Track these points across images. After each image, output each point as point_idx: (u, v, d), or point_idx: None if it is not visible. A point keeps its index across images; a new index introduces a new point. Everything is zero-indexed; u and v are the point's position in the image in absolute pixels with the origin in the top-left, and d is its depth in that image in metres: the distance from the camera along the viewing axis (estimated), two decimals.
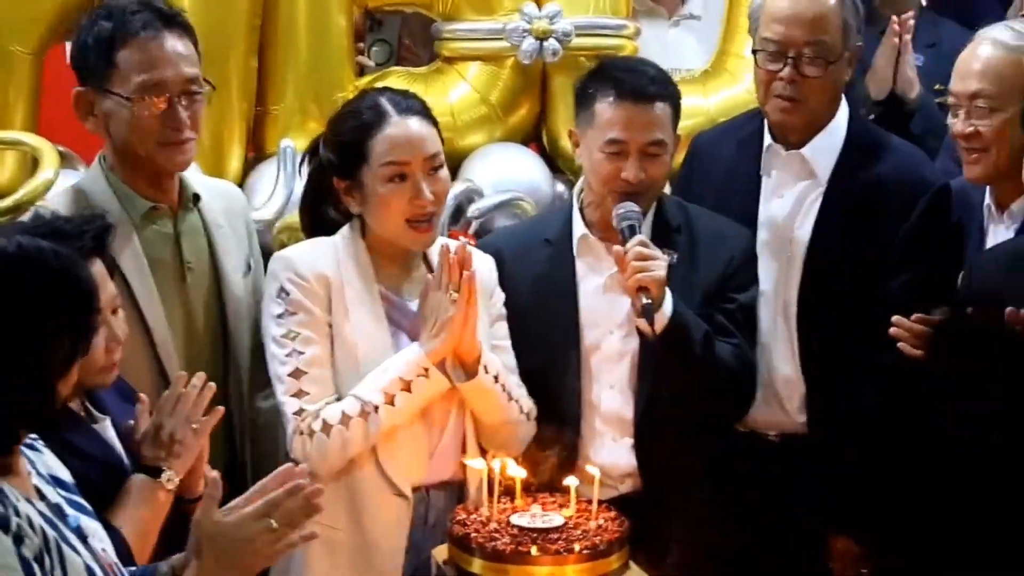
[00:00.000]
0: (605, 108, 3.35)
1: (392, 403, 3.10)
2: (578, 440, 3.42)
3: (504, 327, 3.36)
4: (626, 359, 3.42)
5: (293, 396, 3.12)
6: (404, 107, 3.18)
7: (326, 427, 3.09)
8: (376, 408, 3.09)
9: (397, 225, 3.16)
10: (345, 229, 3.25)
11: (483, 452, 3.22)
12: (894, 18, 4.39)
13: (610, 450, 3.42)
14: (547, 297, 3.43)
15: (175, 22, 3.12)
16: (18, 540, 2.22)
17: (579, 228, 3.46)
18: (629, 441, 3.42)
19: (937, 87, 4.19)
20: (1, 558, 2.18)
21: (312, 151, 3.34)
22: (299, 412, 3.12)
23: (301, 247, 3.30)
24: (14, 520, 2.22)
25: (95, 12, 3.13)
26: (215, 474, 2.57)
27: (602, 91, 3.37)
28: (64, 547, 2.30)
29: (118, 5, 3.12)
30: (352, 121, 3.19)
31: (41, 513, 2.31)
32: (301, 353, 3.12)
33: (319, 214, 3.34)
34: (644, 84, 3.34)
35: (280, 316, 3.15)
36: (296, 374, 3.13)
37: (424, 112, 3.21)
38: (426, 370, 3.11)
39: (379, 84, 4.24)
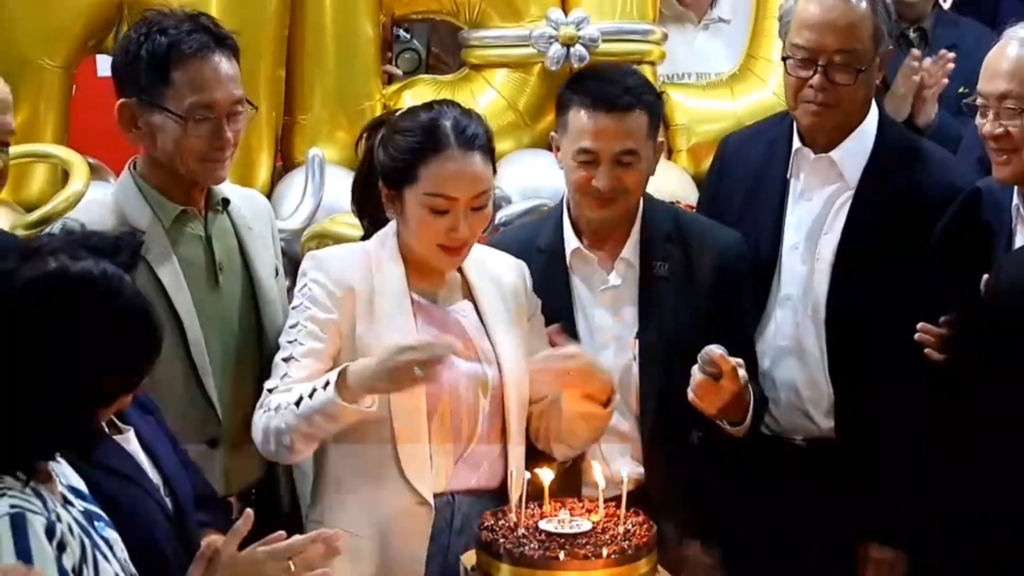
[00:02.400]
0: (577, 117, 3.35)
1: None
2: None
3: (542, 336, 3.35)
4: (619, 374, 3.39)
5: (280, 377, 3.11)
6: (465, 138, 3.11)
7: (264, 410, 3.09)
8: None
9: (428, 247, 3.15)
10: (382, 234, 3.25)
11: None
12: (913, 52, 4.35)
13: (609, 458, 3.39)
14: (544, 309, 3.40)
15: (226, 43, 3.16)
16: (61, 548, 2.25)
17: (572, 240, 3.46)
18: (628, 449, 3.42)
19: (962, 90, 4.16)
20: (43, 565, 2.21)
21: (370, 131, 3.32)
22: (272, 389, 3.12)
23: (334, 251, 3.31)
24: (59, 527, 2.26)
25: (147, 25, 3.14)
26: (249, 511, 2.61)
27: (575, 99, 3.37)
28: (98, 555, 2.33)
29: (171, 21, 3.14)
30: (409, 139, 3.14)
31: (76, 520, 2.33)
32: (301, 344, 3.12)
33: (368, 198, 3.33)
34: (616, 94, 3.32)
35: (295, 308, 3.16)
36: (287, 360, 3.13)
37: (484, 145, 3.15)
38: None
39: (408, 90, 4.31)
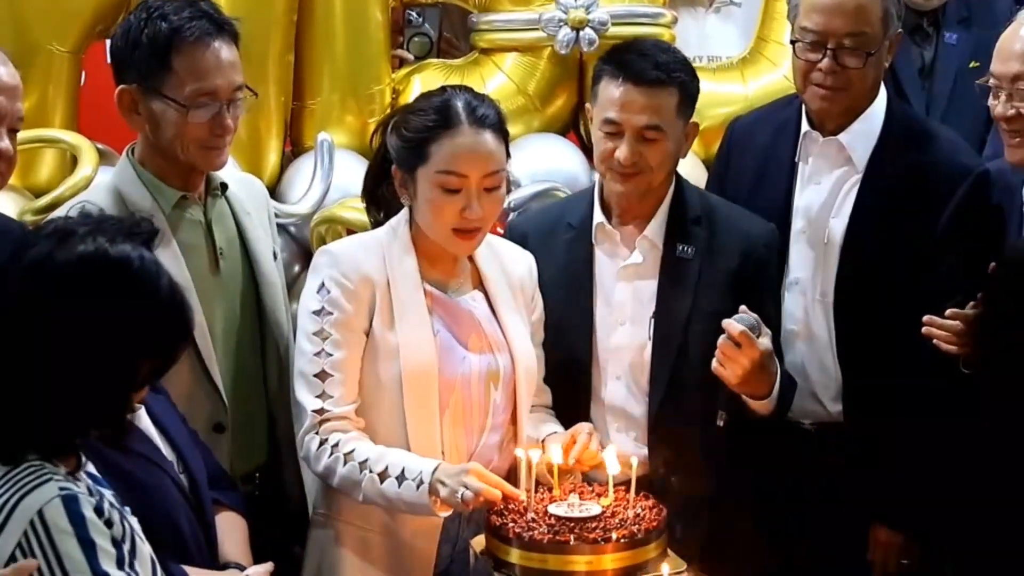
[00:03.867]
0: (606, 88, 3.35)
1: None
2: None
3: (540, 332, 3.38)
4: (632, 352, 3.42)
5: (316, 397, 3.10)
6: (477, 117, 3.11)
7: (337, 450, 3.07)
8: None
9: (442, 231, 3.14)
10: (393, 222, 3.23)
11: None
12: None
13: (615, 440, 3.39)
14: (565, 282, 3.43)
15: (226, 29, 3.15)
16: (109, 526, 2.30)
17: (597, 215, 3.46)
18: (634, 434, 3.42)
19: (972, 64, 4.13)
20: (103, 542, 2.26)
21: (384, 125, 3.30)
22: (320, 411, 3.10)
23: (348, 244, 3.28)
24: (105, 507, 2.30)
25: (147, 11, 3.13)
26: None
27: (607, 71, 3.37)
28: (136, 538, 2.37)
29: (171, 7, 3.13)
30: (421, 118, 3.14)
31: (112, 503, 2.36)
32: (330, 355, 3.10)
33: (379, 189, 3.33)
34: (646, 68, 3.32)
35: (316, 313, 3.12)
36: (322, 376, 3.10)
37: (496, 125, 3.15)
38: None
39: (417, 74, 4.31)
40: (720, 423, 3.29)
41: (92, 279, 2.30)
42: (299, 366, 3.15)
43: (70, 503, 2.25)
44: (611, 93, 3.34)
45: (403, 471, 3.00)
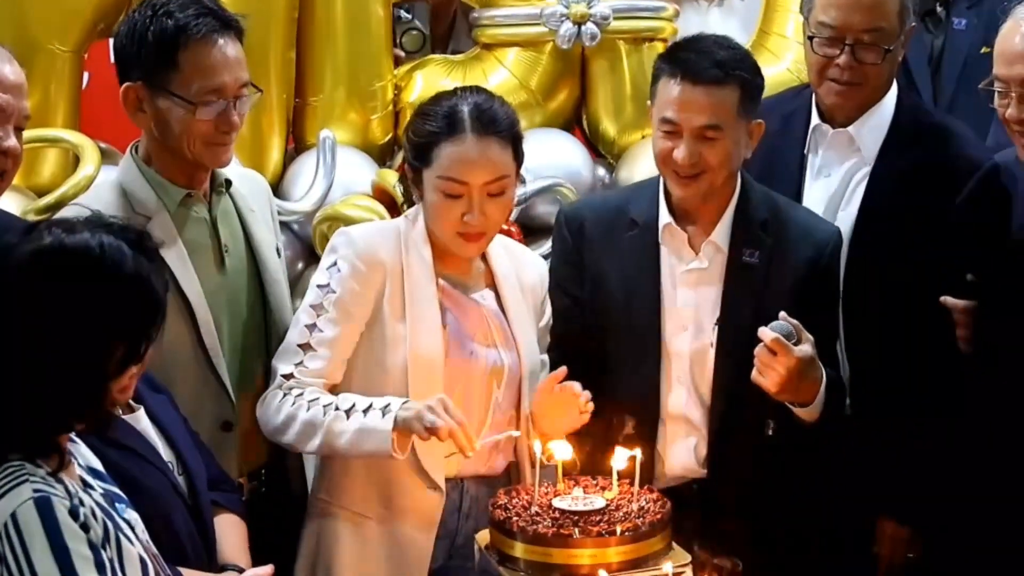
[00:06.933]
0: (665, 87, 3.27)
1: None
2: (656, 432, 3.37)
3: (547, 338, 3.37)
4: (694, 358, 3.36)
5: (293, 364, 3.13)
6: (482, 124, 3.11)
7: (301, 399, 3.09)
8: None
9: (446, 234, 3.15)
10: (411, 213, 3.25)
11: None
12: None
13: (675, 445, 3.38)
14: (631, 281, 3.38)
15: (231, 26, 3.15)
16: (85, 530, 2.28)
17: (664, 215, 3.39)
18: (693, 441, 3.38)
19: (984, 50, 4.09)
20: (77, 547, 2.24)
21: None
22: (289, 375, 3.12)
23: (366, 229, 3.30)
24: (81, 511, 2.29)
25: (153, 8, 3.12)
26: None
27: (665, 70, 3.29)
28: (121, 537, 2.35)
29: (177, 4, 3.12)
30: (428, 122, 3.15)
31: (97, 503, 2.35)
32: (321, 331, 3.12)
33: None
34: (705, 67, 3.23)
35: (321, 287, 3.15)
36: (305, 347, 3.13)
37: (504, 130, 3.14)
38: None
39: (419, 70, 4.29)
40: (769, 432, 3.27)
41: (47, 269, 2.31)
42: (288, 337, 3.18)
43: (42, 506, 2.24)
44: (669, 92, 3.26)
45: (370, 404, 3.02)
